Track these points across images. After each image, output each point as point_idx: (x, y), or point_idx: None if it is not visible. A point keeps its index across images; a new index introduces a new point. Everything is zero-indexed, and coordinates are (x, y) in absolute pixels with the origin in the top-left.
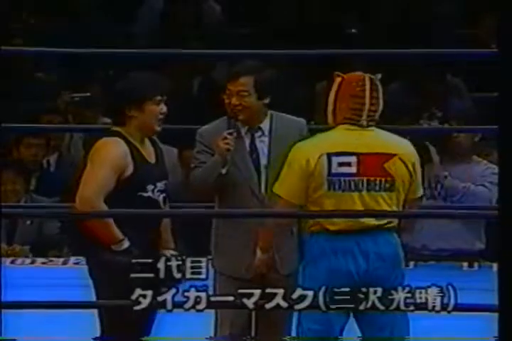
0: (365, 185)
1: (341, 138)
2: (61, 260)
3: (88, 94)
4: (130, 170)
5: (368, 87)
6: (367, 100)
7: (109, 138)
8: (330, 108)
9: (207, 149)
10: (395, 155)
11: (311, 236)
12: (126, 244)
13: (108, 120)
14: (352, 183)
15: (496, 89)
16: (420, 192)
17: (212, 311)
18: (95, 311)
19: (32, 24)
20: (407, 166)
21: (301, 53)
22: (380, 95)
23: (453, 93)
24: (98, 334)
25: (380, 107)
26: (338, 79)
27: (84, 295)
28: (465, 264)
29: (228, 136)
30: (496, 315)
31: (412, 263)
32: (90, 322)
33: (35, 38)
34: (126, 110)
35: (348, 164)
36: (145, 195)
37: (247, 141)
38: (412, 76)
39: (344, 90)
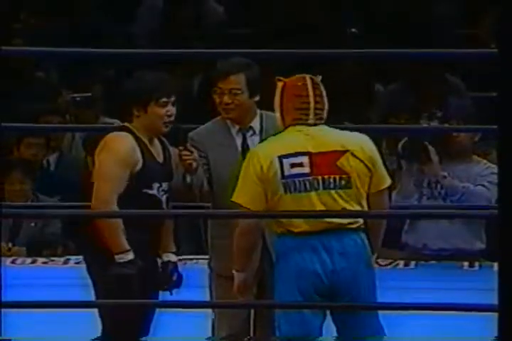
0: (320, 183)
1: (291, 139)
2: (62, 259)
3: (89, 94)
4: (139, 165)
5: (310, 86)
6: (311, 99)
7: (117, 133)
8: (277, 112)
9: (199, 153)
10: (346, 151)
11: (278, 237)
12: (130, 256)
13: (109, 120)
14: (307, 183)
15: (495, 89)
16: (385, 184)
17: (210, 311)
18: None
19: (32, 24)
20: (362, 161)
21: (301, 53)
22: (324, 94)
23: (453, 93)
24: (98, 334)
25: (326, 106)
26: (280, 84)
27: (85, 295)
28: (466, 264)
29: (183, 153)
30: (496, 314)
31: (412, 263)
32: (91, 321)
33: (36, 38)
34: (133, 109)
35: (301, 164)
36: (150, 192)
37: (239, 141)
38: (412, 76)
39: (288, 92)
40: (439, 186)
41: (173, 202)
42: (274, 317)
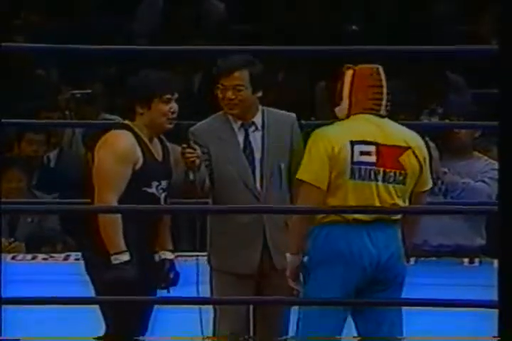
0: (381, 175)
1: (362, 127)
2: (62, 256)
3: (89, 90)
4: (140, 163)
5: (383, 76)
6: (384, 89)
7: (117, 131)
8: (345, 101)
9: (200, 148)
10: (408, 148)
11: (323, 227)
12: (126, 257)
13: (109, 116)
14: (371, 173)
15: (496, 85)
16: (428, 186)
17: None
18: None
19: (32, 21)
20: (418, 160)
21: (301, 50)
22: None
23: (453, 89)
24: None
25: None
26: (350, 72)
27: (85, 291)
28: (466, 260)
29: (186, 151)
30: (496, 311)
31: (412, 259)
32: (93, 318)
33: (36, 35)
34: (137, 107)
35: (369, 153)
36: (149, 190)
37: (241, 137)
38: (413, 72)
39: (360, 81)
40: (439, 182)
41: (175, 197)
42: (299, 312)
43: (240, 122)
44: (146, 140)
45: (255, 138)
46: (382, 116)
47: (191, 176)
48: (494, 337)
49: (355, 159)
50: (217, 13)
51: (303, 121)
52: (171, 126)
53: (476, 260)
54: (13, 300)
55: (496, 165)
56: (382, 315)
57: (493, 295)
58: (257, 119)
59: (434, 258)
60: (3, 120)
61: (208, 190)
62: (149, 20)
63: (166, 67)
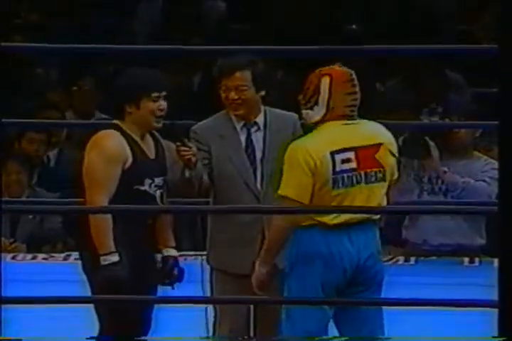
0: (363, 177)
1: (339, 134)
2: (62, 256)
3: (86, 87)
4: (129, 162)
5: (356, 82)
6: (358, 95)
7: (106, 131)
8: (322, 108)
9: (202, 146)
10: (381, 144)
11: (304, 229)
12: (114, 258)
13: (104, 116)
14: (354, 178)
15: (495, 84)
16: (396, 175)
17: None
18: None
19: (32, 21)
20: (392, 153)
21: (302, 49)
22: None
23: (453, 88)
24: (96, 330)
25: None
26: (327, 79)
27: (85, 291)
28: (466, 260)
29: (181, 149)
30: (496, 310)
31: (412, 259)
32: (90, 317)
33: (35, 34)
34: (125, 106)
35: (349, 160)
36: (142, 188)
37: (243, 137)
38: (413, 72)
39: (339, 88)
40: (439, 181)
41: (173, 197)
42: (282, 312)
43: (242, 122)
44: (136, 138)
45: (257, 137)
46: (354, 120)
47: (187, 174)
48: (494, 337)
49: (337, 168)
50: (217, 12)
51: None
52: (159, 124)
53: (476, 259)
54: (13, 299)
55: (496, 164)
56: (363, 316)
57: (493, 295)
58: (260, 119)
59: (434, 258)
60: (3, 120)
61: (207, 188)
62: (149, 20)
63: (165, 65)
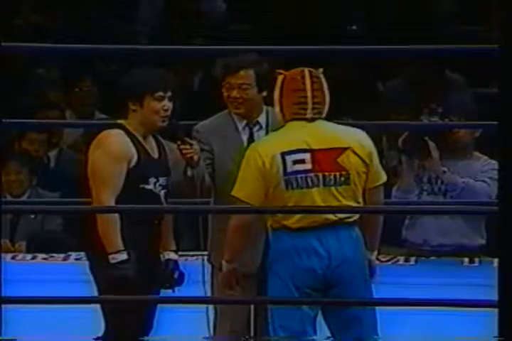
0: (321, 180)
1: (294, 135)
2: (62, 256)
3: (87, 88)
4: (134, 160)
5: (308, 79)
6: (308, 93)
7: (110, 131)
8: (277, 106)
9: (204, 146)
10: (347, 148)
11: (273, 232)
12: (123, 256)
13: (104, 116)
14: (309, 180)
15: (496, 84)
16: (380, 181)
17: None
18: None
19: (32, 21)
20: (361, 158)
21: (302, 49)
22: (324, 88)
23: (453, 89)
24: (96, 330)
25: (327, 100)
26: (281, 77)
27: (85, 291)
28: (466, 260)
29: (182, 147)
30: (496, 310)
31: (412, 259)
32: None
33: (36, 34)
34: (129, 103)
35: (303, 161)
36: (147, 187)
37: (245, 136)
38: (413, 72)
39: (286, 86)
40: (439, 182)
41: (175, 196)
42: (268, 313)
43: (244, 121)
44: (140, 138)
45: (259, 137)
46: (313, 120)
47: (189, 172)
48: (494, 337)
49: (289, 169)
50: (217, 12)
51: None
52: (164, 124)
53: (476, 260)
54: (13, 299)
55: (495, 164)
56: (352, 315)
57: (493, 295)
58: (262, 119)
59: (434, 258)
60: (3, 120)
61: (208, 188)
62: (150, 19)
63: (166, 65)
